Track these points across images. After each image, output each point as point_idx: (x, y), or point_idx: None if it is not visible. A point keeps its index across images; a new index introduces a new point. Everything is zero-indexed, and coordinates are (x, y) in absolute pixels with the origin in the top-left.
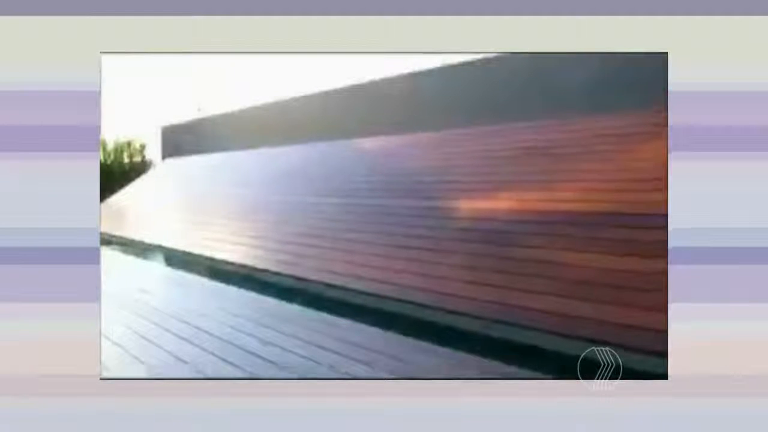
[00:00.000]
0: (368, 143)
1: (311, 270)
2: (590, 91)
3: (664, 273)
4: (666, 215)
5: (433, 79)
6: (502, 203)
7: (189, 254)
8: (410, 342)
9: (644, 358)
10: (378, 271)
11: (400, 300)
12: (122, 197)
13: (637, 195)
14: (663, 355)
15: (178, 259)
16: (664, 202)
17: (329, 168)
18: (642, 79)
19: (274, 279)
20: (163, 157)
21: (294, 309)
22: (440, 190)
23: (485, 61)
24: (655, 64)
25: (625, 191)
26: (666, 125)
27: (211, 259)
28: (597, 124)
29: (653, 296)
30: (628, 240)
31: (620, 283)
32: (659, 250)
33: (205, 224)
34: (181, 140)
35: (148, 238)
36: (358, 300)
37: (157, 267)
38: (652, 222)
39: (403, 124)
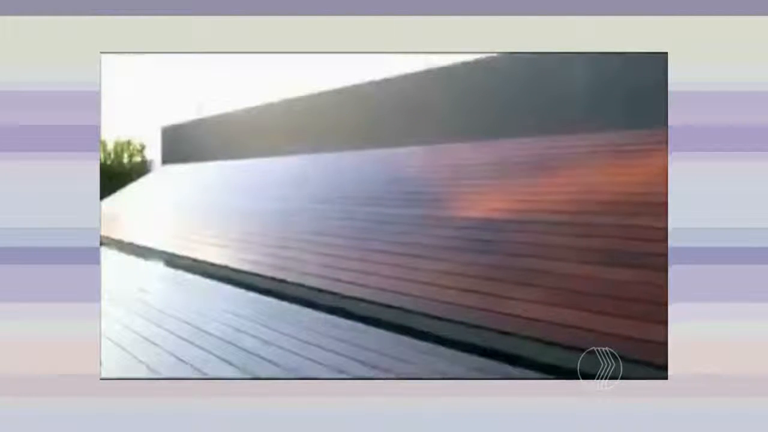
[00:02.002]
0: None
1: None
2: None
3: (662, 286)
4: (666, 229)
5: (429, 85)
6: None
7: None
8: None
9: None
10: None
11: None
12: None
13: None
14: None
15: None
16: (664, 216)
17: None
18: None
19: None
20: (164, 161)
21: None
22: (443, 201)
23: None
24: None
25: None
26: (666, 141)
27: None
28: (594, 140)
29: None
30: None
31: (614, 293)
32: (655, 261)
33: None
34: (181, 143)
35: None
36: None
37: None
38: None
39: (404, 129)
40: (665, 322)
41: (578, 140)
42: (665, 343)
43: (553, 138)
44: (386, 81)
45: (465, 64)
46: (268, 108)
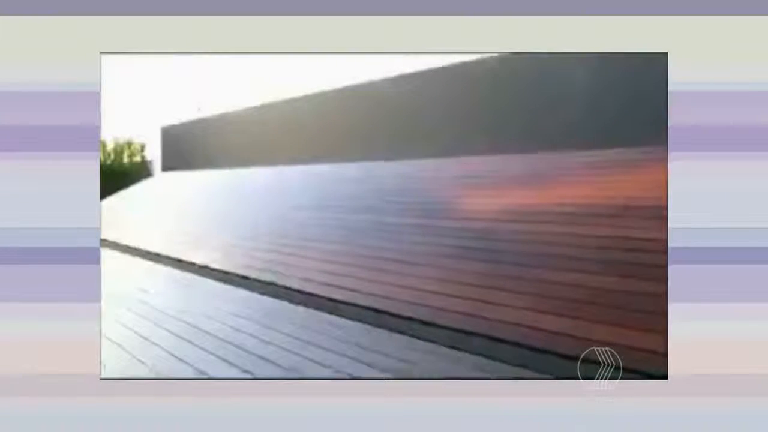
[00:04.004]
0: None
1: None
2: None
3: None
4: (666, 240)
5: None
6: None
7: None
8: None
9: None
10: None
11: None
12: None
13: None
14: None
15: None
16: (663, 228)
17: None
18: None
19: None
20: (164, 166)
21: None
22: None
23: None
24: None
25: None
26: (666, 158)
27: None
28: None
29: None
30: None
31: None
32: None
33: None
34: (182, 143)
35: None
36: None
37: None
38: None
39: (406, 133)
40: (659, 331)
41: (573, 156)
42: (664, 354)
43: (547, 153)
44: (387, 80)
45: (464, 64)
46: (269, 108)
